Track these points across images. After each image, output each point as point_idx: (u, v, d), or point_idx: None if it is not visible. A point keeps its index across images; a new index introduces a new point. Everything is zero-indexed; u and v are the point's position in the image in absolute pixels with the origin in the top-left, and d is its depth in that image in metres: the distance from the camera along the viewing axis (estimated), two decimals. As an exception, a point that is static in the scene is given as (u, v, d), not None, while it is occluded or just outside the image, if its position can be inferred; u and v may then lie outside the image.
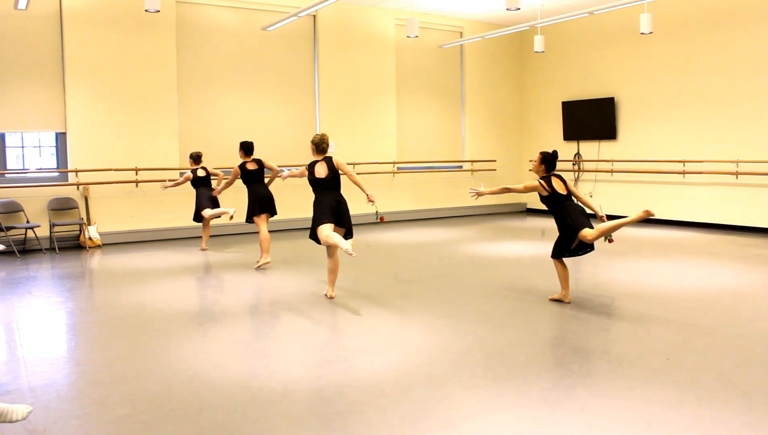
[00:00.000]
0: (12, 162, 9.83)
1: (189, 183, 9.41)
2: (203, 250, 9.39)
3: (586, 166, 13.32)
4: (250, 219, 8.11)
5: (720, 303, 6.02)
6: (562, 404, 3.65)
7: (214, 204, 9.26)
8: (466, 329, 5.22)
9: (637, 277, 7.22)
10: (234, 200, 9.75)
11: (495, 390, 3.87)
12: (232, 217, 8.63)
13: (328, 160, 6.35)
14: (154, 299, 6.61)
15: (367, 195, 6.52)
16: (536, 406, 3.64)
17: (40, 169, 9.94)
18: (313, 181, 6.34)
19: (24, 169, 9.84)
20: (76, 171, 9.83)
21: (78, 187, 9.87)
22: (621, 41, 12.46)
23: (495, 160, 14.22)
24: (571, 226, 5.80)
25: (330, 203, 6.21)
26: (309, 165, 6.39)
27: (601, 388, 3.87)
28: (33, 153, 9.99)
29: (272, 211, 8.18)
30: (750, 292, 6.45)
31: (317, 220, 6.15)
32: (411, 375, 4.14)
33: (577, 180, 13.50)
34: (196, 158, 9.44)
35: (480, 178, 13.98)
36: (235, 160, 8.59)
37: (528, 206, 14.54)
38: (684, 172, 11.45)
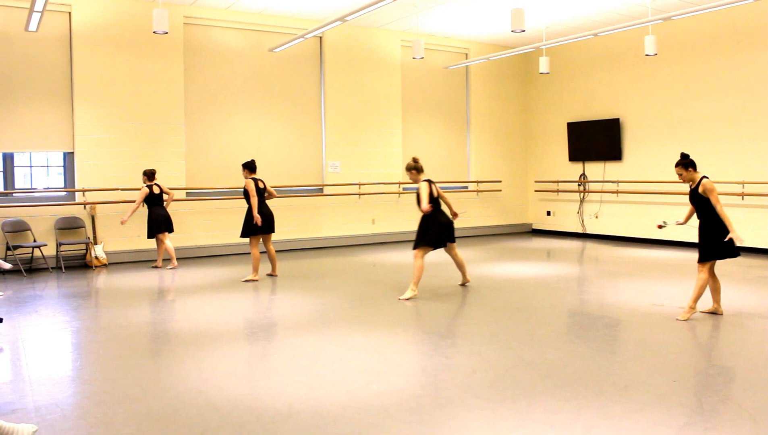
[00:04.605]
0: (20, 181, 9.90)
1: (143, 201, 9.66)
2: (158, 266, 9.63)
3: (592, 186, 13.32)
4: (247, 234, 8.46)
5: (726, 325, 5.99)
6: (568, 426, 3.62)
7: (169, 227, 9.63)
8: (471, 350, 5.20)
9: (643, 298, 7.19)
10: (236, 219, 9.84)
11: (500, 412, 3.85)
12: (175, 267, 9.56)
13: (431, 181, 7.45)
14: (159, 319, 6.62)
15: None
16: (542, 428, 3.62)
17: (48, 188, 10.01)
18: (433, 200, 7.33)
19: (32, 189, 9.91)
20: (84, 190, 9.89)
21: (85, 207, 9.93)
22: (626, 63, 12.52)
23: (500, 181, 14.25)
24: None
25: (447, 222, 7.43)
26: (429, 182, 7.34)
27: (608, 410, 3.84)
28: (41, 172, 10.07)
29: (271, 230, 8.59)
30: (756, 314, 6.41)
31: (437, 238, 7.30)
32: (416, 396, 4.12)
33: (582, 201, 13.49)
34: (150, 175, 9.62)
35: (485, 199, 13.99)
36: (241, 179, 8.70)
37: (534, 227, 14.53)
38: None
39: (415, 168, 7.47)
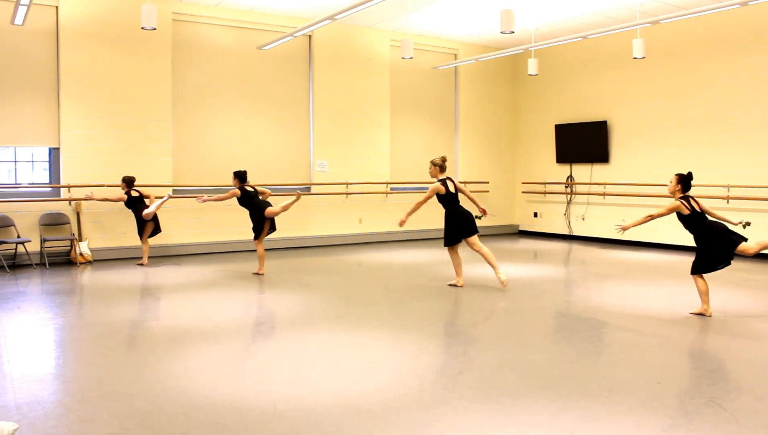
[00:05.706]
0: (4, 176, 9.80)
1: (123, 204, 9.63)
2: (143, 265, 9.58)
3: (579, 188, 13.38)
4: (259, 236, 8.70)
5: (710, 328, 6.03)
6: (552, 427, 3.63)
7: (157, 228, 9.72)
8: (457, 351, 5.20)
9: (629, 301, 7.22)
10: (231, 219, 9.85)
11: (485, 412, 3.86)
12: (170, 197, 9.64)
13: (451, 179, 7.76)
14: (143, 316, 6.58)
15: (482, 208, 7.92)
16: (526, 428, 3.62)
17: (33, 183, 9.92)
18: (451, 196, 7.64)
19: (16, 184, 9.81)
20: (69, 186, 9.81)
21: (70, 203, 9.84)
22: (614, 65, 12.59)
23: (488, 182, 14.27)
24: (727, 242, 6.19)
25: (466, 213, 7.67)
26: (443, 182, 7.62)
27: (592, 412, 3.85)
28: (26, 168, 9.97)
29: (273, 228, 8.82)
30: (740, 317, 6.46)
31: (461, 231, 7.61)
32: (401, 396, 4.11)
33: (569, 203, 13.55)
34: (129, 182, 9.61)
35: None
36: (229, 177, 8.71)
37: (520, 228, 14.57)
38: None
39: (440, 165, 7.72)
